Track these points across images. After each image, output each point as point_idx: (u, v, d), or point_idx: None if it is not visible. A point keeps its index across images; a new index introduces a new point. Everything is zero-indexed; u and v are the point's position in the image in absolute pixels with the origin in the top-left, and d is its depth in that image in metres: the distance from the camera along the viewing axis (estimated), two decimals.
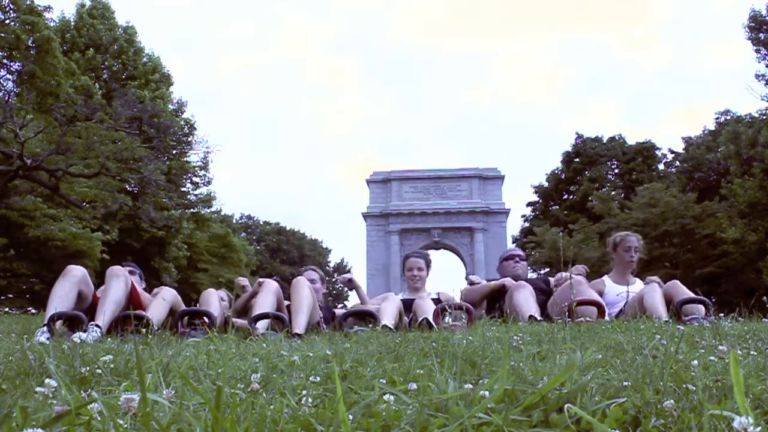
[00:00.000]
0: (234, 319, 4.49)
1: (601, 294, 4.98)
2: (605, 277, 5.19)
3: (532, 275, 5.42)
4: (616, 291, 4.92)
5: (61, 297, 3.68)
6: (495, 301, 5.10)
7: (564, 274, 4.95)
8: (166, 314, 3.98)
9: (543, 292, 4.96)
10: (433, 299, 4.81)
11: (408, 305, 4.55)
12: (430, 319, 3.89)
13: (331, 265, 61.37)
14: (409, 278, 5.14)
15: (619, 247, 4.99)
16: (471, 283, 5.36)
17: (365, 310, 4.33)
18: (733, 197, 23.54)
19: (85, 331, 3.34)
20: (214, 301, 4.33)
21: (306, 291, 4.13)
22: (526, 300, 4.51)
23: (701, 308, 4.18)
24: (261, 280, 4.42)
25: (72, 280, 3.79)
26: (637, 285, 4.99)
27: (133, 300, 4.01)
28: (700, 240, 25.28)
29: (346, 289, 5.18)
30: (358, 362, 1.81)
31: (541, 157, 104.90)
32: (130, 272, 4.50)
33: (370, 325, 3.96)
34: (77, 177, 18.93)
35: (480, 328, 3.30)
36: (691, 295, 4.38)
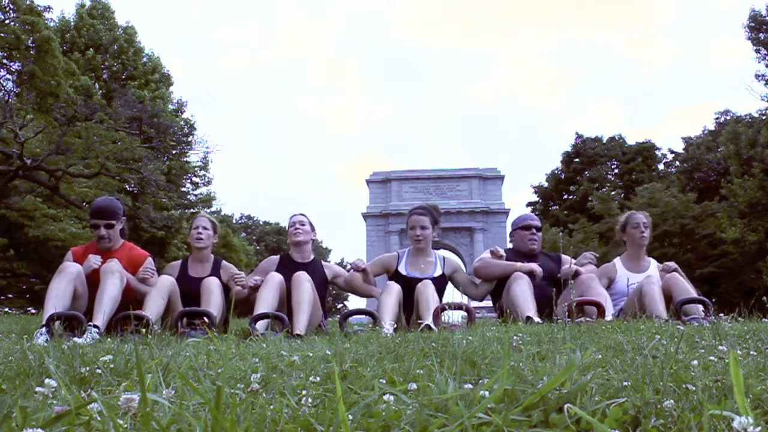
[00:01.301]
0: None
1: (611, 281, 4.82)
2: (617, 260, 4.98)
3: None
4: (626, 280, 4.75)
5: (58, 295, 3.67)
6: (498, 292, 4.85)
7: (570, 268, 4.69)
8: (163, 309, 3.95)
9: (551, 278, 4.69)
10: (437, 278, 4.63)
11: (409, 285, 4.34)
12: (430, 322, 3.86)
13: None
14: (413, 238, 4.79)
15: (628, 226, 4.88)
16: (495, 254, 4.95)
17: (365, 309, 4.31)
18: (733, 197, 23.54)
19: (83, 332, 3.34)
20: (215, 292, 4.24)
21: (307, 288, 4.08)
22: (523, 295, 4.30)
23: (701, 308, 4.16)
24: (256, 279, 4.32)
25: (68, 278, 3.78)
26: (652, 268, 4.84)
27: (128, 295, 3.99)
28: (700, 240, 25.28)
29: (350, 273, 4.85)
30: (358, 362, 1.81)
31: (541, 157, 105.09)
32: (107, 226, 4.21)
33: (370, 325, 3.95)
34: (77, 177, 18.94)
35: (480, 328, 3.30)
36: (691, 289, 4.33)
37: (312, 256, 4.86)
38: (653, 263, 4.95)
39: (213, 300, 4.15)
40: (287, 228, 4.90)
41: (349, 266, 4.74)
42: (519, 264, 4.70)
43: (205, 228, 4.61)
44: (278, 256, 4.86)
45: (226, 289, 4.48)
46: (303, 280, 4.11)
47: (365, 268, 4.52)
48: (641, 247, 4.87)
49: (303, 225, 4.79)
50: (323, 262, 4.91)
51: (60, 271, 3.81)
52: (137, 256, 4.37)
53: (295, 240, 4.76)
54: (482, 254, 5.16)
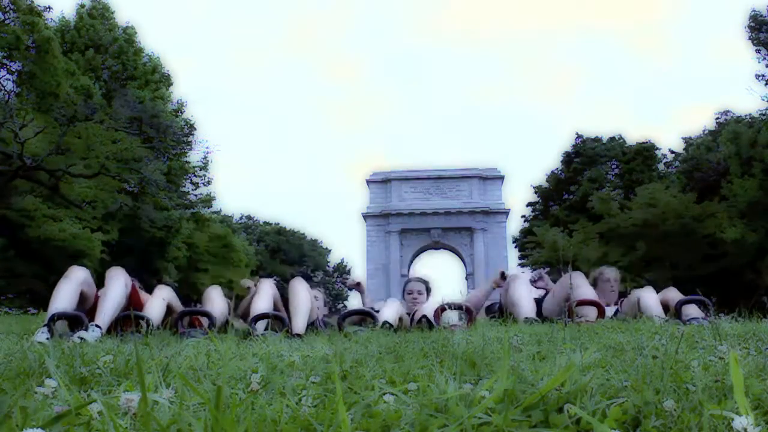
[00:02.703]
0: (234, 321, 4.47)
1: None
2: None
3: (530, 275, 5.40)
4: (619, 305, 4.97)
5: (63, 298, 3.67)
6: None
7: (538, 272, 5.03)
8: (164, 313, 3.97)
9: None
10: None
11: (410, 316, 4.55)
12: (431, 316, 3.87)
13: (331, 265, 61.37)
14: (410, 301, 5.07)
15: (599, 281, 5.20)
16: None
17: (364, 310, 4.32)
18: (733, 197, 23.54)
19: (85, 330, 3.34)
20: (216, 298, 4.29)
21: (303, 291, 4.11)
22: (521, 295, 4.47)
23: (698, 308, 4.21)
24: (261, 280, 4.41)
25: (74, 281, 3.78)
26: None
27: (133, 300, 4.00)
28: (700, 240, 25.26)
29: (347, 290, 5.10)
30: (358, 362, 1.81)
31: (542, 156, 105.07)
32: None
33: (370, 326, 3.94)
34: (77, 177, 18.95)
35: (480, 328, 3.30)
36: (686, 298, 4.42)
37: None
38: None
39: (215, 303, 4.21)
40: None
41: (345, 284, 4.98)
42: (491, 281, 5.06)
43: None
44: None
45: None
46: (299, 285, 4.15)
47: (359, 282, 4.89)
48: (610, 301, 5.13)
49: (317, 300, 4.94)
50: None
51: (67, 275, 3.82)
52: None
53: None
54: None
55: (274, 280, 4.97)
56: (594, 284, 5.20)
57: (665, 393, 1.12)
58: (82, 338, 2.87)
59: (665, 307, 4.44)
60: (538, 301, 4.73)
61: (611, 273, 5.21)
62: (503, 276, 4.83)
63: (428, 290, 5.17)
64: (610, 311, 4.85)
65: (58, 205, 21.12)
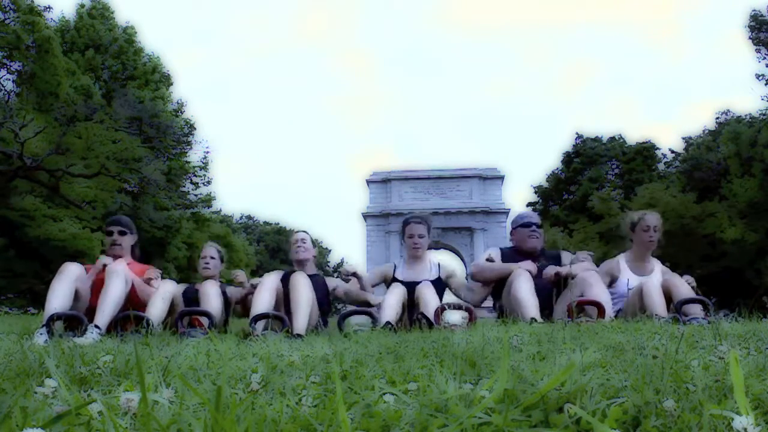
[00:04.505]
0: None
1: (614, 280, 4.72)
2: (621, 260, 4.83)
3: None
4: (627, 282, 4.64)
5: (59, 296, 3.67)
6: (497, 294, 4.79)
7: (564, 270, 4.65)
8: (165, 312, 3.94)
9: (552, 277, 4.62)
10: (434, 281, 4.61)
11: (409, 290, 4.36)
12: (430, 315, 3.85)
13: (331, 265, 61.36)
14: (411, 246, 4.87)
15: (637, 227, 4.71)
16: (489, 260, 4.98)
17: (364, 309, 4.30)
18: (733, 197, 23.55)
19: (84, 331, 3.34)
20: (212, 291, 4.24)
21: (305, 289, 4.07)
22: (524, 294, 4.24)
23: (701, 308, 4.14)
24: (256, 281, 4.32)
25: (69, 278, 3.78)
26: (656, 272, 4.70)
27: (132, 298, 3.99)
28: (700, 240, 25.27)
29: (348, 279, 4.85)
30: (358, 362, 1.81)
31: (542, 156, 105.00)
32: (120, 233, 4.39)
33: (371, 324, 3.93)
34: (77, 177, 18.95)
35: (480, 328, 3.30)
36: (688, 289, 4.27)
37: (314, 271, 4.95)
38: (658, 266, 4.82)
39: (212, 303, 4.15)
40: (291, 244, 5.05)
41: (341, 272, 4.81)
42: (513, 264, 4.64)
43: (212, 258, 4.86)
44: (284, 271, 4.90)
45: (227, 305, 4.54)
46: (301, 281, 4.10)
47: (355, 272, 4.64)
48: (648, 250, 4.73)
49: (305, 242, 4.95)
50: (324, 277, 5.04)
51: (61, 272, 3.81)
52: (144, 269, 4.42)
53: (297, 258, 4.90)
54: (479, 259, 5.20)
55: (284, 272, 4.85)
56: (632, 229, 4.78)
57: (665, 393, 1.12)
58: (81, 345, 2.87)
59: (667, 294, 4.20)
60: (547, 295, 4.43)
61: (652, 219, 4.67)
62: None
63: (429, 230, 4.94)
64: (640, 280, 4.43)
65: (58, 205, 21.13)
